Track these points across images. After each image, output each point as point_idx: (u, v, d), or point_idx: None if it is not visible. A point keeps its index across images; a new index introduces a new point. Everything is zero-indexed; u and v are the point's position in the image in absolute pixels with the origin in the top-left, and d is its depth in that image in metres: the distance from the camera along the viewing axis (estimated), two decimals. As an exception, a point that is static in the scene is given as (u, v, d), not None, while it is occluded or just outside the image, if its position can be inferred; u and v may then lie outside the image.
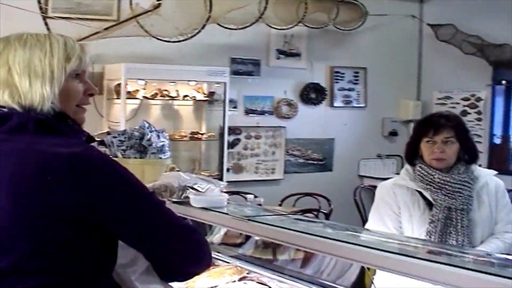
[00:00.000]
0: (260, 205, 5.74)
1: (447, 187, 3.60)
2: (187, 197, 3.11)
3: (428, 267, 2.04)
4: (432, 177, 3.63)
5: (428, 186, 3.65)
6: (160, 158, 3.59)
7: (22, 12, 5.98)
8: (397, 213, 3.71)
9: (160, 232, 1.96)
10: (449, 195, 3.59)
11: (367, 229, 3.55)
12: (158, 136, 3.63)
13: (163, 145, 3.62)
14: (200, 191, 3.12)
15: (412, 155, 3.79)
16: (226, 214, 2.96)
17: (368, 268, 3.10)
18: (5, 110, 1.92)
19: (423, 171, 3.67)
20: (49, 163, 1.81)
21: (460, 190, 3.60)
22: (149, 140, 3.57)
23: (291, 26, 8.48)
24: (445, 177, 3.61)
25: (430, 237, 3.55)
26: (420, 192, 3.69)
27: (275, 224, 2.70)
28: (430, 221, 3.60)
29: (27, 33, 2.00)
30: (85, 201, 1.81)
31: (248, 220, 2.73)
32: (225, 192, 3.25)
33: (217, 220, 3.04)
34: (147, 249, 2.00)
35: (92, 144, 2.09)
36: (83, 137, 2.04)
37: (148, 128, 3.66)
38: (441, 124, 3.69)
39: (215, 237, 3.97)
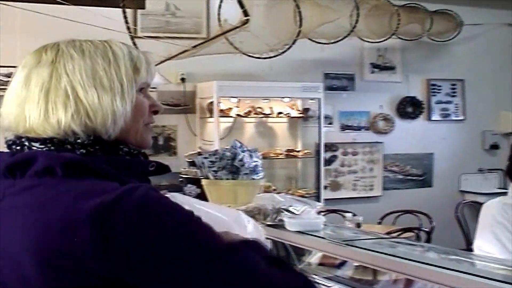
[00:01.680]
0: (359, 223, 5.56)
1: (562, 205, 3.34)
2: (282, 220, 2.99)
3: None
4: (544, 195, 3.38)
5: (541, 205, 3.39)
6: (253, 179, 3.43)
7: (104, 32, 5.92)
8: None
9: None
10: None
11: (478, 255, 3.32)
12: (251, 156, 3.49)
13: (256, 165, 3.47)
14: (295, 214, 2.99)
15: None
16: (323, 238, 2.81)
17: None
18: (34, 148, 1.50)
19: (533, 189, 3.41)
20: (72, 221, 1.35)
21: None
22: (241, 160, 3.43)
23: (384, 39, 8.31)
24: (559, 195, 3.36)
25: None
26: (531, 212, 3.43)
27: (374, 249, 2.53)
28: (548, 243, 3.35)
29: (78, 39, 1.60)
30: (116, 269, 1.33)
31: (346, 244, 2.57)
32: (322, 211, 3.11)
33: (313, 244, 2.90)
34: None
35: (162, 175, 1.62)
36: (144, 169, 1.58)
37: (240, 148, 3.53)
38: None
39: (313, 258, 3.85)
